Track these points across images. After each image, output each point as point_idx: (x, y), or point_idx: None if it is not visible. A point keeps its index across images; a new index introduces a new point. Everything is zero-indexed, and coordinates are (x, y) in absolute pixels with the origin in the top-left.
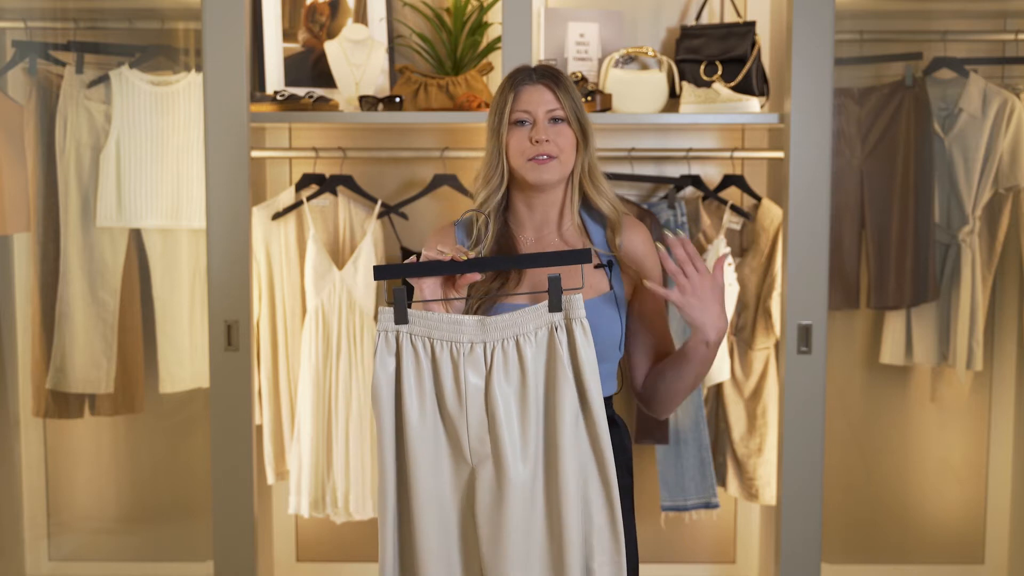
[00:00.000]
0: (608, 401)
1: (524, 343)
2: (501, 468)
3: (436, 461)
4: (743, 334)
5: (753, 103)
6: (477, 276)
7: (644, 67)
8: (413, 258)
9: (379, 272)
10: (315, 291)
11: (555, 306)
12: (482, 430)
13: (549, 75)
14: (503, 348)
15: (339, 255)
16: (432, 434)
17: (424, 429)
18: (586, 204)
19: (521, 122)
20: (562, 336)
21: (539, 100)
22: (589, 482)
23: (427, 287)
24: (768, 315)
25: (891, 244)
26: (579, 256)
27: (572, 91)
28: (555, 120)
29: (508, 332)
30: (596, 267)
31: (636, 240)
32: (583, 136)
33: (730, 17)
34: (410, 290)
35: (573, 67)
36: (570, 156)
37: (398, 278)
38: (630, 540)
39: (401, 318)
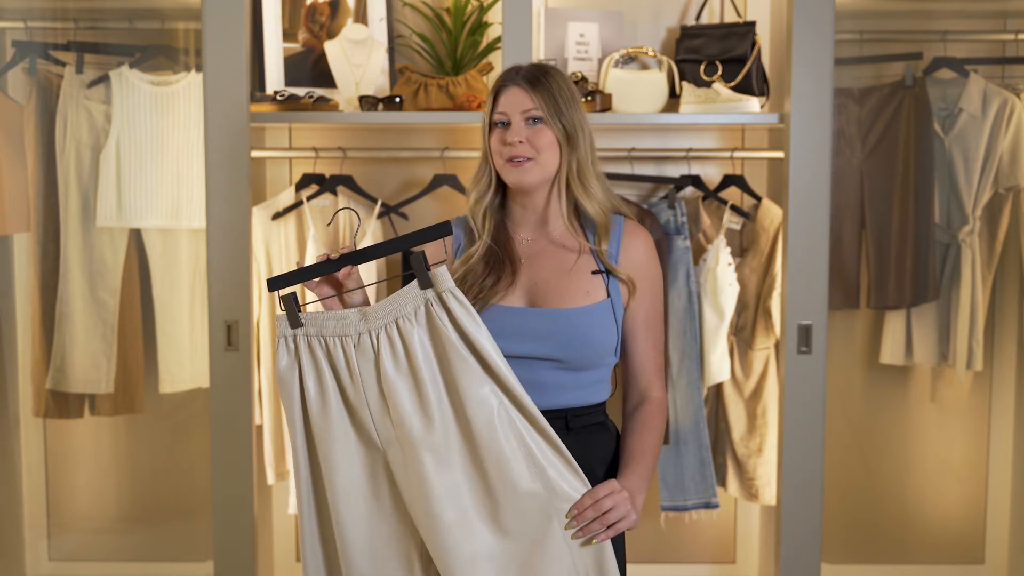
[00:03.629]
0: (600, 406)
1: (405, 324)
2: (408, 445)
3: (348, 454)
4: (743, 334)
5: (753, 103)
6: (353, 269)
7: (644, 67)
8: (296, 264)
9: (272, 284)
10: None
11: (424, 283)
12: (383, 415)
13: (530, 76)
14: (387, 333)
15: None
16: (340, 429)
17: (330, 425)
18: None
19: (500, 123)
20: (439, 310)
21: (515, 101)
22: (526, 436)
23: (320, 290)
24: (768, 315)
25: (891, 244)
26: (437, 231)
27: (556, 90)
28: (533, 121)
29: (389, 317)
30: (593, 273)
31: (632, 249)
32: (566, 137)
33: (730, 17)
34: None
35: (573, 67)
36: (550, 157)
37: (288, 286)
38: (618, 540)
39: (295, 322)
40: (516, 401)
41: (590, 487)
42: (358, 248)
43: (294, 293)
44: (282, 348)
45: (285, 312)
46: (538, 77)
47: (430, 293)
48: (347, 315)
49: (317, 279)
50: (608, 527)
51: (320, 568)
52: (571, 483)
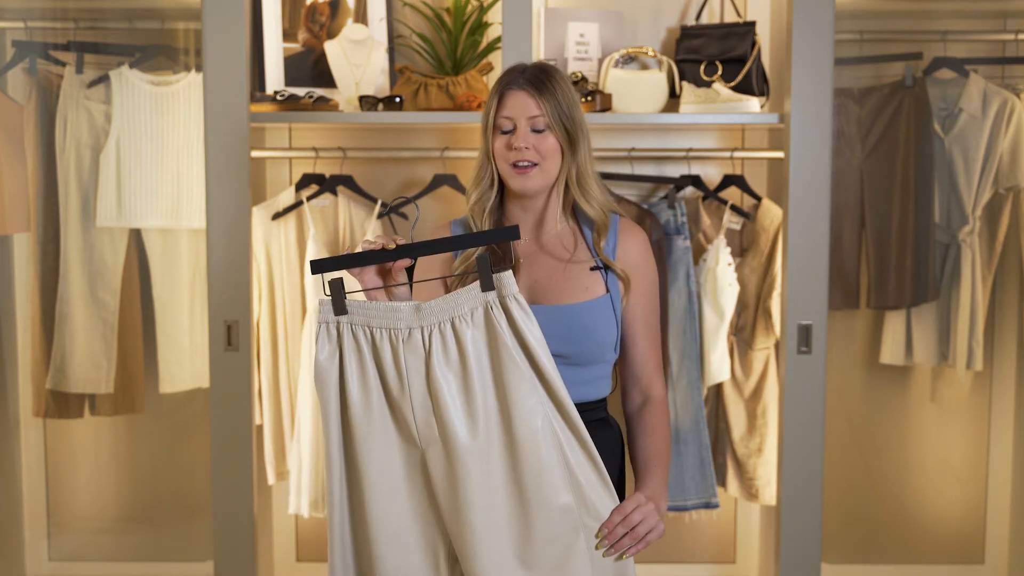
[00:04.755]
0: (602, 402)
1: (460, 324)
2: (450, 448)
3: (385, 448)
4: (743, 334)
5: (753, 103)
6: (408, 262)
7: (644, 67)
8: (347, 251)
9: (315, 266)
10: (315, 291)
11: (487, 285)
12: (427, 413)
13: (535, 80)
14: (440, 331)
15: (339, 250)
16: (379, 422)
17: (370, 418)
18: (578, 208)
19: (505, 128)
20: (499, 314)
21: (521, 107)
22: (566, 449)
23: (366, 278)
24: (768, 315)
25: (891, 244)
26: (507, 233)
27: (560, 95)
28: (537, 128)
29: (444, 315)
30: (592, 269)
31: (630, 247)
32: (569, 142)
33: (730, 17)
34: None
35: (573, 67)
36: (553, 163)
37: (334, 271)
38: None
39: (340, 309)
40: (563, 411)
41: (618, 502)
42: (417, 241)
43: (340, 279)
44: (323, 336)
45: (331, 297)
46: (543, 81)
47: (492, 296)
48: (399, 307)
49: (362, 267)
50: (639, 541)
51: (349, 564)
52: (602, 499)
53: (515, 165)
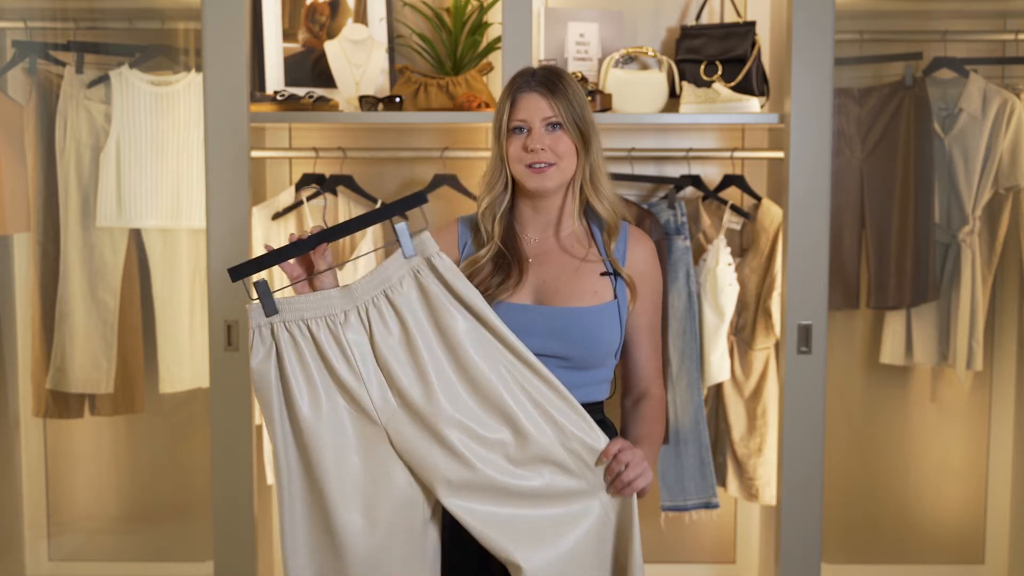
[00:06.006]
0: (599, 406)
1: (393, 295)
2: (414, 414)
3: (340, 438)
4: (743, 334)
5: (753, 103)
6: (326, 248)
7: (644, 67)
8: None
9: (235, 273)
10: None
11: (408, 252)
12: (383, 389)
13: (547, 81)
14: (375, 306)
15: (339, 255)
16: (329, 415)
17: (318, 411)
18: (590, 208)
19: (519, 129)
20: (428, 276)
21: (535, 108)
22: (529, 385)
23: (292, 273)
24: (768, 315)
25: (891, 244)
26: (413, 201)
27: (572, 96)
28: (552, 127)
29: (376, 290)
30: (602, 275)
31: (637, 255)
32: (583, 142)
33: (730, 17)
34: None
35: (573, 67)
36: (569, 162)
37: (254, 273)
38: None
39: (271, 309)
40: (515, 352)
41: (600, 433)
42: (329, 226)
43: (264, 280)
44: (256, 340)
45: (259, 300)
46: (555, 82)
47: (415, 261)
48: (329, 295)
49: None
50: (626, 486)
51: (303, 558)
52: (581, 428)
53: (531, 166)
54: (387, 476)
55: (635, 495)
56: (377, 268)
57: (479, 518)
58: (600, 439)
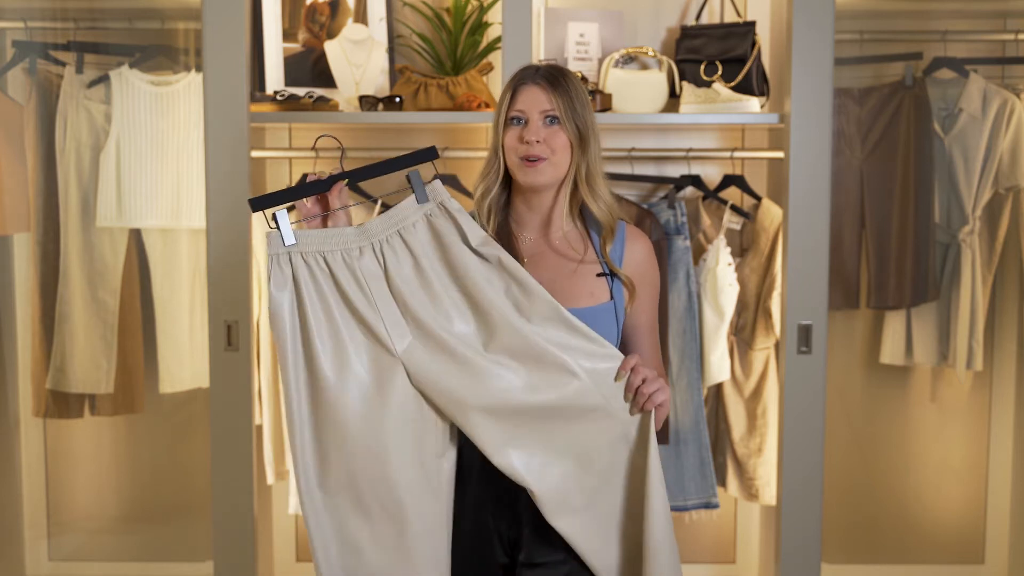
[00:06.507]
0: None
1: (407, 233)
2: (430, 339)
3: (360, 364)
4: (743, 334)
5: (753, 103)
6: (342, 188)
7: (644, 67)
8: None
9: (255, 204)
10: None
11: (421, 198)
12: (397, 318)
13: (549, 76)
14: (389, 243)
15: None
16: (350, 342)
17: (338, 341)
18: (586, 209)
19: (516, 120)
20: (440, 221)
21: (534, 100)
22: (543, 322)
23: (303, 208)
24: (768, 315)
25: (891, 244)
26: (426, 155)
27: (573, 93)
28: (550, 121)
29: (390, 229)
30: (599, 276)
31: (635, 253)
32: (580, 140)
33: (730, 17)
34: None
35: (573, 67)
36: (563, 158)
37: (273, 206)
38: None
39: (289, 237)
40: (524, 286)
41: (608, 344)
42: (345, 170)
43: (284, 212)
44: (275, 268)
45: (278, 228)
46: (556, 78)
47: (428, 206)
48: (344, 231)
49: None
50: (646, 399)
51: (313, 481)
52: (591, 344)
53: (525, 159)
54: (400, 405)
55: (652, 411)
56: (391, 209)
57: (497, 437)
58: (615, 355)
